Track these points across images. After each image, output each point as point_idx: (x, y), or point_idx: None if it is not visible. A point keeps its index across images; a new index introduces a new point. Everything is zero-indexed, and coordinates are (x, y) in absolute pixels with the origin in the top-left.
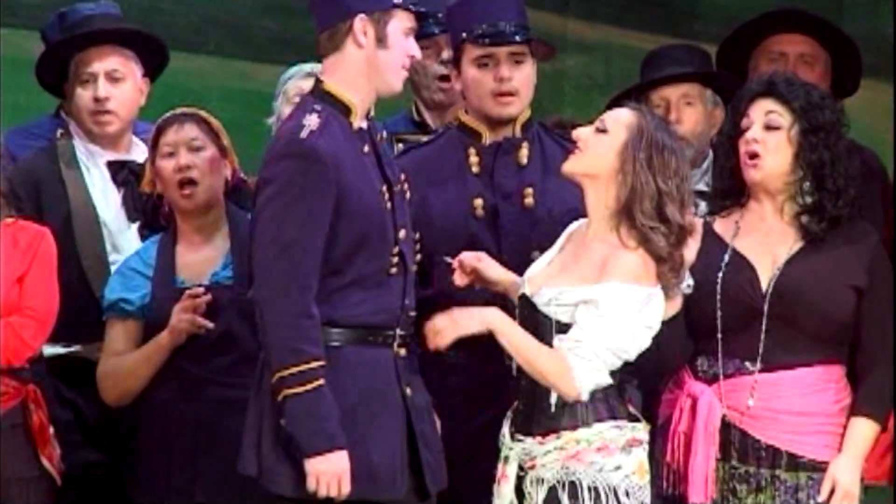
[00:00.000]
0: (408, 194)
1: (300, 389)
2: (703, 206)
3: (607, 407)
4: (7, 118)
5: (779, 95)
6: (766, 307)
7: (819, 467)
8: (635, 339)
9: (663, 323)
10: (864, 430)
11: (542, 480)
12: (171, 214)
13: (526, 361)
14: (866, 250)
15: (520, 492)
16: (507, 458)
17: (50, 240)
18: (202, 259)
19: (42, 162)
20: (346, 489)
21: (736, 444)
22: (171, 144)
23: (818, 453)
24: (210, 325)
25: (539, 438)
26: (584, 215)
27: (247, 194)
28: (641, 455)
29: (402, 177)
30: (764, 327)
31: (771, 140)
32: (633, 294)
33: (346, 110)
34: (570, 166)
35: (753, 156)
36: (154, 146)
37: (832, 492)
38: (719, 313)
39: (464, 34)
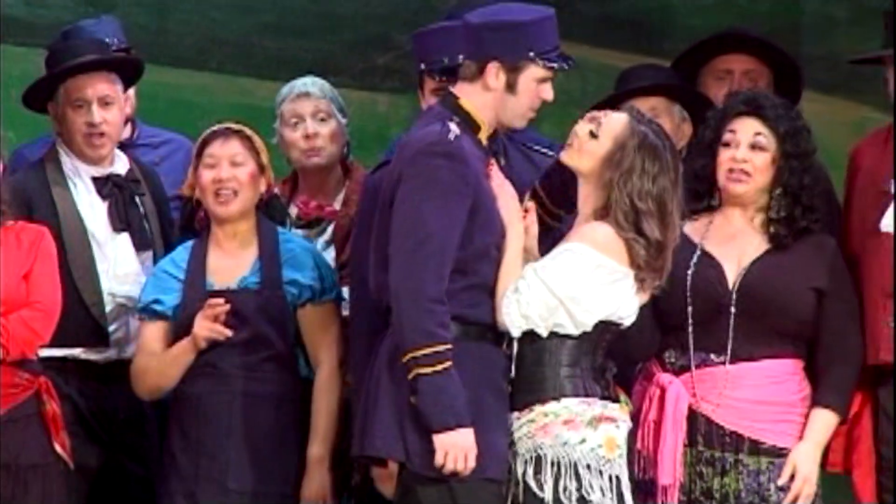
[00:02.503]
0: None
1: (430, 370)
2: None
3: (580, 384)
4: (25, 132)
5: (766, 118)
6: (732, 303)
7: (779, 453)
8: (583, 301)
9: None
10: (825, 420)
11: (517, 454)
12: (206, 220)
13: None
14: (826, 256)
15: None
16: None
17: (50, 238)
18: (232, 265)
19: (32, 178)
20: (472, 464)
21: (702, 430)
22: (215, 157)
23: (778, 440)
24: (229, 333)
25: (517, 413)
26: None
27: (276, 207)
28: (612, 432)
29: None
30: (731, 322)
31: (757, 160)
32: (592, 256)
33: (475, 126)
34: (564, 158)
35: (742, 173)
36: (199, 155)
37: (792, 476)
38: (689, 309)
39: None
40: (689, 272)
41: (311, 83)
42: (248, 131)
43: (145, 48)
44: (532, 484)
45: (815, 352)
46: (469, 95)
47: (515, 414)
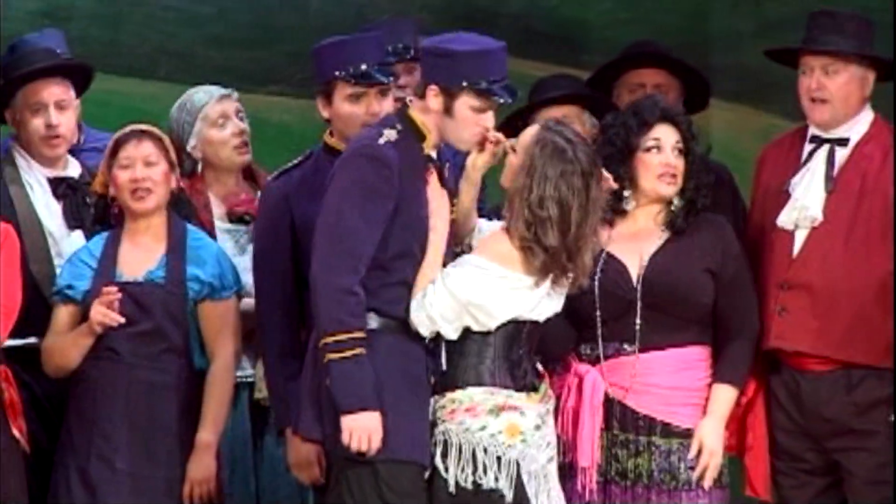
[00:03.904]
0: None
1: (339, 356)
2: None
3: (486, 374)
4: None
5: (679, 125)
6: (637, 298)
7: (688, 434)
8: (485, 307)
9: (543, 322)
10: (725, 395)
11: (434, 439)
12: (119, 215)
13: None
14: (719, 238)
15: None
16: None
17: (14, 237)
18: (141, 258)
19: None
20: (376, 445)
21: (617, 415)
22: (130, 158)
23: (687, 422)
24: (121, 319)
25: (436, 397)
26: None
27: (182, 203)
28: (515, 419)
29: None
30: (638, 315)
31: (680, 164)
32: (492, 269)
33: (421, 136)
34: (502, 182)
35: (673, 175)
36: (113, 155)
37: (700, 451)
38: (598, 307)
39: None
40: (597, 276)
41: (221, 88)
42: (159, 132)
43: (99, 58)
44: (440, 467)
45: (716, 331)
46: (418, 109)
47: (436, 397)
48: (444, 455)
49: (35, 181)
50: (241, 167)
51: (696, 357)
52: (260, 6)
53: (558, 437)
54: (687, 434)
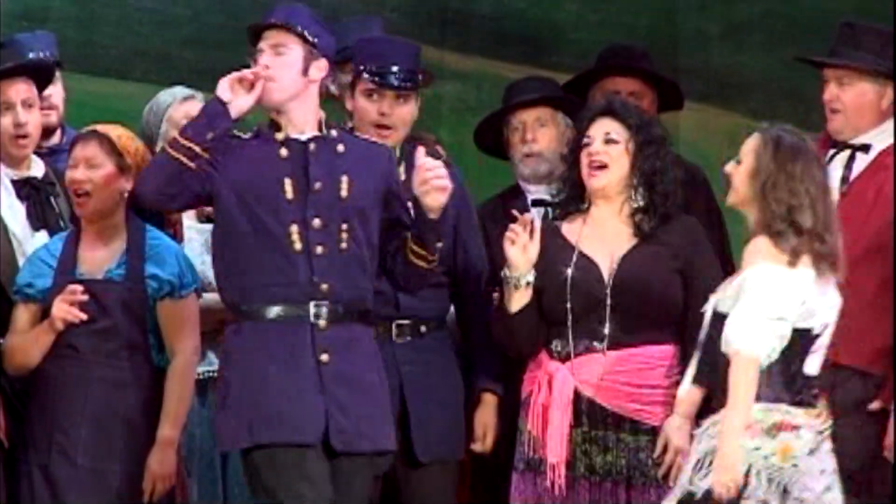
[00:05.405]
0: (342, 192)
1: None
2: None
3: (767, 390)
4: None
5: (616, 115)
6: (608, 297)
7: (656, 431)
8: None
9: (515, 314)
10: (691, 395)
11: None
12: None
13: None
14: (689, 239)
15: None
16: None
17: None
18: (100, 257)
19: None
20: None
21: (586, 412)
22: (75, 159)
23: (655, 419)
24: (83, 316)
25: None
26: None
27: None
28: (791, 441)
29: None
30: (608, 313)
31: (612, 151)
32: (774, 272)
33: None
34: (730, 203)
35: (599, 166)
36: (69, 156)
37: (665, 448)
38: (570, 305)
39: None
40: (569, 272)
41: (186, 89)
42: (112, 134)
43: (75, 60)
44: (697, 482)
45: (684, 331)
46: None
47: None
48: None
49: None
50: None
51: (663, 356)
52: (233, 8)
53: (529, 434)
54: (655, 431)
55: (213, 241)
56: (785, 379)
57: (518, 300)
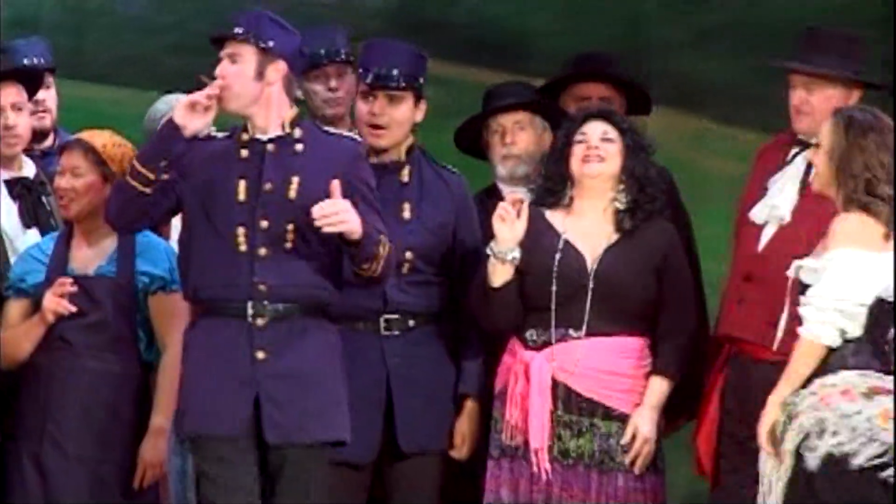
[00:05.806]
0: (291, 193)
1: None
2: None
3: (850, 357)
4: None
5: (609, 118)
6: (589, 287)
7: (626, 418)
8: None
9: (497, 289)
10: (660, 386)
11: (795, 425)
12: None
13: None
14: (664, 240)
15: None
16: None
17: None
18: (91, 255)
19: None
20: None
21: (562, 397)
22: (61, 167)
23: (626, 407)
24: (73, 308)
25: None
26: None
27: None
28: (889, 404)
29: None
30: (587, 303)
31: (609, 148)
32: (856, 257)
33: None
34: (815, 189)
35: (598, 159)
36: (58, 161)
37: (634, 437)
38: (554, 290)
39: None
40: (556, 258)
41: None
42: (97, 143)
43: (65, 65)
44: (805, 453)
45: (657, 326)
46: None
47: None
48: (815, 437)
49: None
50: None
51: (636, 346)
52: (217, 15)
53: (507, 423)
54: (625, 418)
55: (179, 238)
56: (873, 349)
57: (501, 275)
